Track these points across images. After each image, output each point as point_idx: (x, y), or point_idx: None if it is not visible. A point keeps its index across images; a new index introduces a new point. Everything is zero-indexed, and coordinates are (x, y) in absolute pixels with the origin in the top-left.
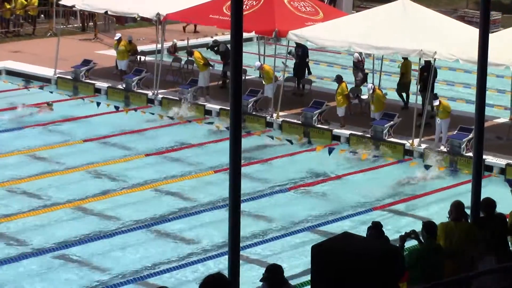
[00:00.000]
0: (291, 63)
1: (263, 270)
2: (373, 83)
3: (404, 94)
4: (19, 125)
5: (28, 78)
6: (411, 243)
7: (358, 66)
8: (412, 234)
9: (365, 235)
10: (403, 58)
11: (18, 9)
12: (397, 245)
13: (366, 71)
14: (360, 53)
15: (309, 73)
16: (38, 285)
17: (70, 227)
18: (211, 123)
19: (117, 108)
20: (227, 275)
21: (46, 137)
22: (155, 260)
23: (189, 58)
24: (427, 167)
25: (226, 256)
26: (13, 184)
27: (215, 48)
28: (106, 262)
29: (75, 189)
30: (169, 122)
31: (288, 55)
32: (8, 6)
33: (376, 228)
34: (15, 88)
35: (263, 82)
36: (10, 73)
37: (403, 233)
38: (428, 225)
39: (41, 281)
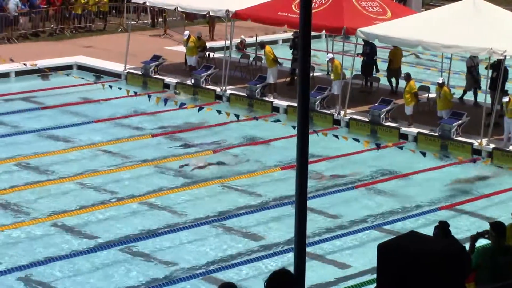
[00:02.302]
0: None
1: (328, 267)
2: (442, 79)
3: (393, 80)
4: (89, 120)
5: (98, 73)
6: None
7: (471, 71)
8: (486, 234)
9: (431, 235)
10: (393, 46)
11: (90, 5)
12: (468, 244)
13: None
14: (474, 57)
15: (377, 71)
16: (105, 279)
17: (137, 222)
18: (278, 120)
19: (183, 104)
20: (292, 272)
21: (115, 131)
22: (220, 255)
23: (258, 54)
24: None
25: (292, 253)
26: (82, 178)
27: (295, 40)
28: (172, 256)
29: (143, 183)
30: (236, 119)
31: (357, 54)
32: (82, 1)
33: (443, 227)
34: (86, 83)
35: (331, 78)
36: (81, 68)
37: (474, 233)
38: (497, 225)
39: (107, 275)
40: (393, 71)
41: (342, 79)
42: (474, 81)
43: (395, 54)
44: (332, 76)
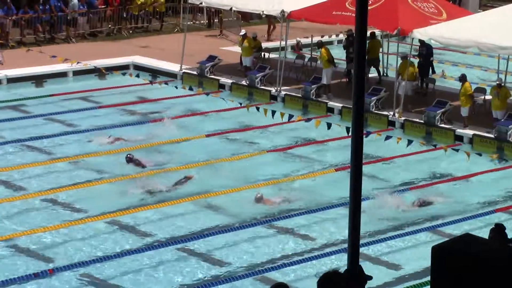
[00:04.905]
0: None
1: (382, 268)
2: (500, 79)
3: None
4: (144, 120)
5: (154, 73)
6: None
7: None
8: None
9: (487, 237)
10: (370, 33)
11: (147, 6)
12: None
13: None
14: None
15: (433, 72)
16: (160, 277)
17: (193, 221)
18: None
19: (240, 104)
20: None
21: (169, 131)
22: (274, 255)
23: (314, 53)
24: None
25: (345, 254)
26: (138, 177)
27: (349, 38)
28: (225, 256)
29: (197, 183)
30: (290, 120)
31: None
32: (139, 2)
33: (498, 230)
34: (142, 83)
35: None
36: (138, 68)
37: None
38: None
39: (163, 272)
40: (371, 60)
41: (401, 79)
42: None
43: (373, 45)
44: (402, 77)
